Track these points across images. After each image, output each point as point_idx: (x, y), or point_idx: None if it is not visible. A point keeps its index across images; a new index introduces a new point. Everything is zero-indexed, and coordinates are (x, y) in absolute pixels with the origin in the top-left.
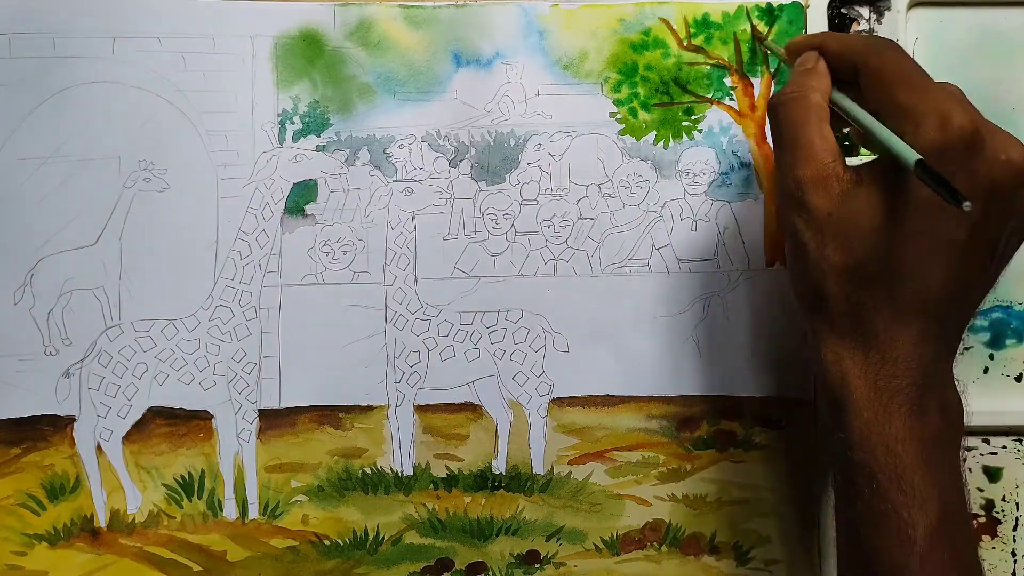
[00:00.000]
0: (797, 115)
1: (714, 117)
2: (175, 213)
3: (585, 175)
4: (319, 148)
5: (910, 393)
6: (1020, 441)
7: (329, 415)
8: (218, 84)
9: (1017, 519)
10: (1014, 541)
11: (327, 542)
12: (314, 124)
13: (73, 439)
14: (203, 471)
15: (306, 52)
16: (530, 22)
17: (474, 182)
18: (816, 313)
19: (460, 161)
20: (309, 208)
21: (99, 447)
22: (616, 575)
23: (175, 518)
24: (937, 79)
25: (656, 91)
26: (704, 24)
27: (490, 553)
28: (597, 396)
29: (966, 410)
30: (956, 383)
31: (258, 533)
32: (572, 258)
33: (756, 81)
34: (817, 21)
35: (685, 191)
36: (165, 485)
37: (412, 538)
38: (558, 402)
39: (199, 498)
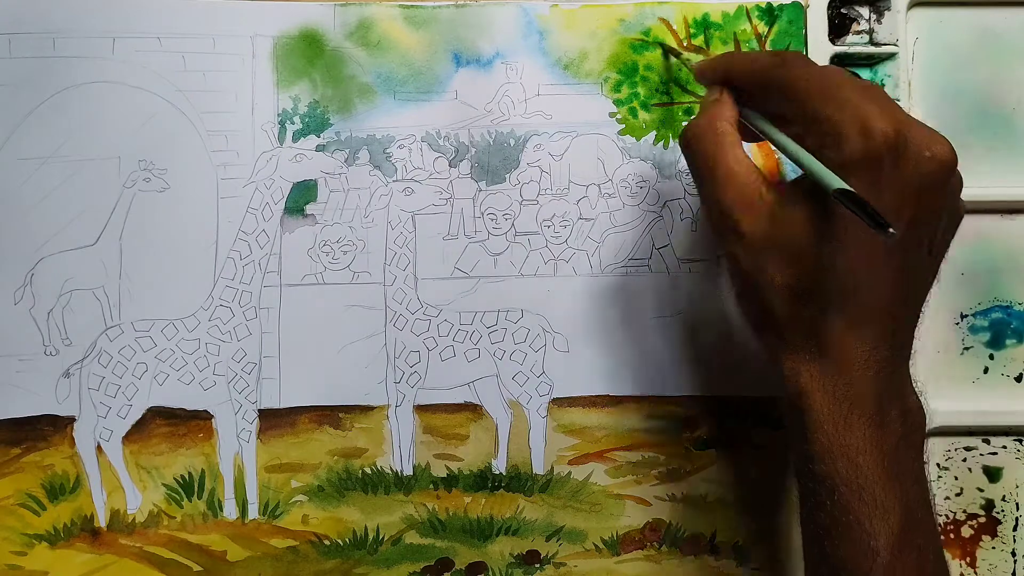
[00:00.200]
0: (708, 146)
1: None
2: (175, 213)
3: (585, 175)
4: (319, 148)
5: (869, 403)
6: (1020, 441)
7: (329, 415)
8: (218, 84)
9: (1017, 519)
10: (1014, 541)
11: (327, 542)
12: (314, 124)
13: (73, 439)
14: (203, 471)
15: (306, 52)
16: (530, 22)
17: (474, 182)
18: (767, 331)
19: (460, 161)
20: (309, 208)
21: (99, 447)
22: (616, 575)
23: (175, 518)
24: (937, 79)
25: (656, 91)
26: (704, 24)
27: (490, 553)
28: (597, 396)
29: (927, 412)
30: (915, 385)
31: (258, 533)
32: (572, 258)
33: None
34: (817, 21)
35: (685, 191)
36: (165, 485)
37: (412, 538)
38: (558, 402)
39: (199, 498)
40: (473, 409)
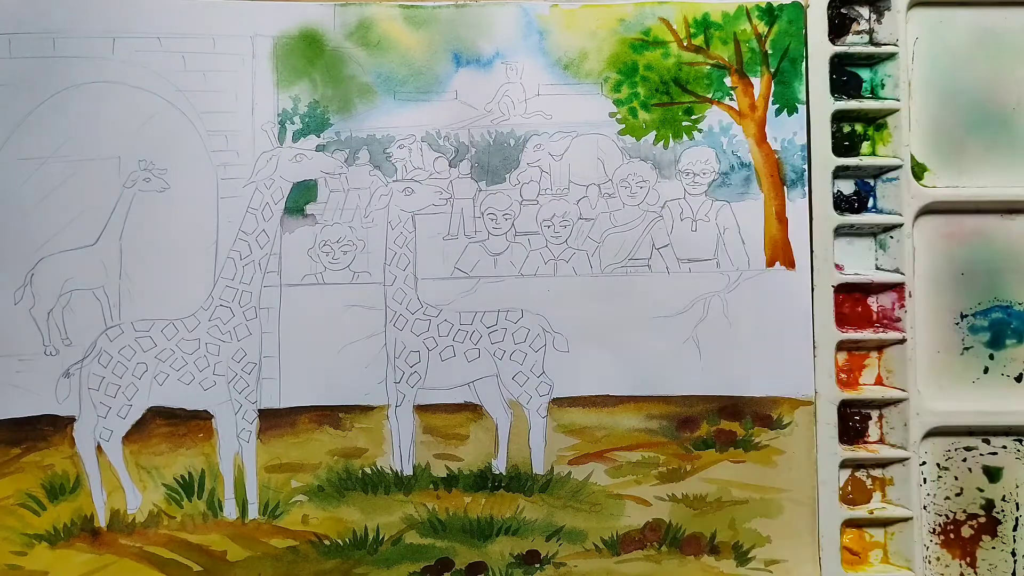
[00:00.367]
0: None
1: (714, 117)
2: (175, 213)
3: (585, 175)
4: (319, 148)
5: None
6: (1020, 441)
7: (329, 415)
8: (218, 84)
9: (1017, 519)
10: (1014, 541)
11: (327, 542)
12: (314, 124)
13: (73, 439)
14: (203, 471)
15: (306, 52)
16: (530, 22)
17: (474, 182)
18: None
19: (460, 161)
20: (309, 208)
21: (99, 447)
22: (616, 575)
23: (175, 518)
24: (937, 79)
25: (656, 91)
26: (704, 24)
27: (490, 553)
28: (597, 396)
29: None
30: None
31: (258, 533)
32: (572, 258)
33: (756, 81)
34: (817, 21)
35: (685, 191)
36: (165, 485)
37: (412, 538)
38: (558, 402)
39: (199, 498)
40: (473, 409)
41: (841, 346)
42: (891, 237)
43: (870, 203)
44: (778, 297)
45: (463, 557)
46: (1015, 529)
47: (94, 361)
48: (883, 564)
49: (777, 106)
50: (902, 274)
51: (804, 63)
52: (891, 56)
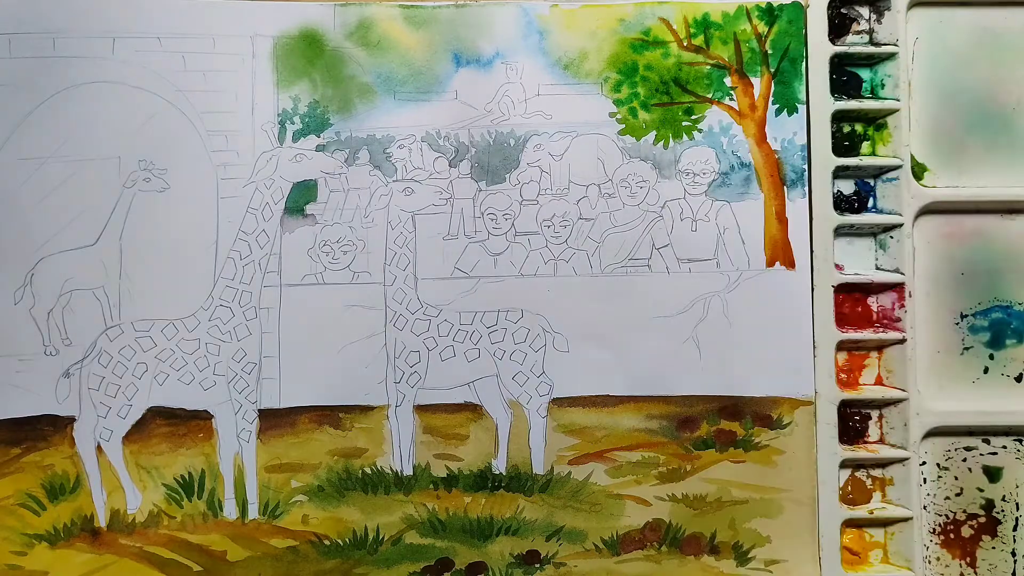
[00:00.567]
0: None
1: (714, 117)
2: (175, 213)
3: (585, 175)
4: (319, 148)
5: None
6: (1020, 441)
7: (329, 415)
8: (218, 84)
9: (1017, 519)
10: (1014, 541)
11: (327, 542)
12: (314, 124)
13: (73, 439)
14: (203, 471)
15: (306, 52)
16: (530, 22)
17: (474, 182)
18: None
19: (460, 161)
20: (309, 208)
21: (99, 447)
22: (616, 575)
23: (175, 518)
24: (937, 79)
25: (656, 91)
26: (704, 24)
27: (490, 553)
28: (597, 396)
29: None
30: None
31: (258, 533)
32: (572, 258)
33: (756, 81)
34: (817, 21)
35: (685, 191)
36: (165, 485)
37: (412, 538)
38: (558, 402)
39: (199, 498)
40: (473, 409)
41: (841, 346)
42: (891, 237)
43: (870, 203)
44: (778, 297)
45: (463, 557)
46: (1015, 529)
47: (94, 361)
48: (883, 564)
49: (777, 106)
50: (902, 274)
51: (804, 63)
52: (891, 56)
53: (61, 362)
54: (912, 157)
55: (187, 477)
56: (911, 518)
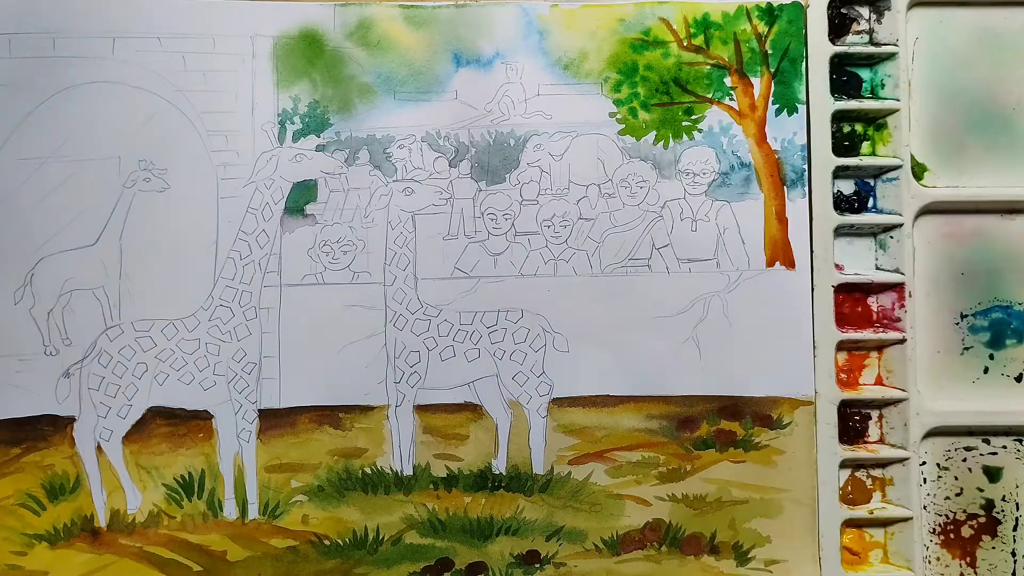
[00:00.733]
0: None
1: (714, 117)
2: (175, 213)
3: (585, 175)
4: (319, 148)
5: None
6: (1020, 441)
7: (329, 415)
8: (218, 84)
9: (1017, 519)
10: (1014, 541)
11: (327, 542)
12: (314, 124)
13: (73, 439)
14: (203, 471)
15: (306, 52)
16: (530, 22)
17: (474, 182)
18: None
19: (460, 161)
20: (309, 208)
21: (99, 447)
22: (616, 575)
23: (175, 518)
24: (937, 79)
25: (656, 91)
26: (704, 24)
27: (490, 553)
28: (597, 396)
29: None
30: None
31: (258, 533)
32: (572, 258)
33: (756, 81)
34: (817, 21)
35: (685, 191)
36: (165, 485)
37: (412, 538)
38: (558, 402)
39: (199, 498)
40: (473, 409)
41: (841, 346)
42: (891, 237)
43: (870, 203)
44: (778, 297)
45: (463, 557)
46: (1015, 529)
47: (94, 361)
48: (883, 564)
49: (777, 106)
50: (902, 274)
51: (804, 63)
52: (891, 56)
53: (61, 362)
54: (912, 157)
55: (187, 477)
56: (911, 518)
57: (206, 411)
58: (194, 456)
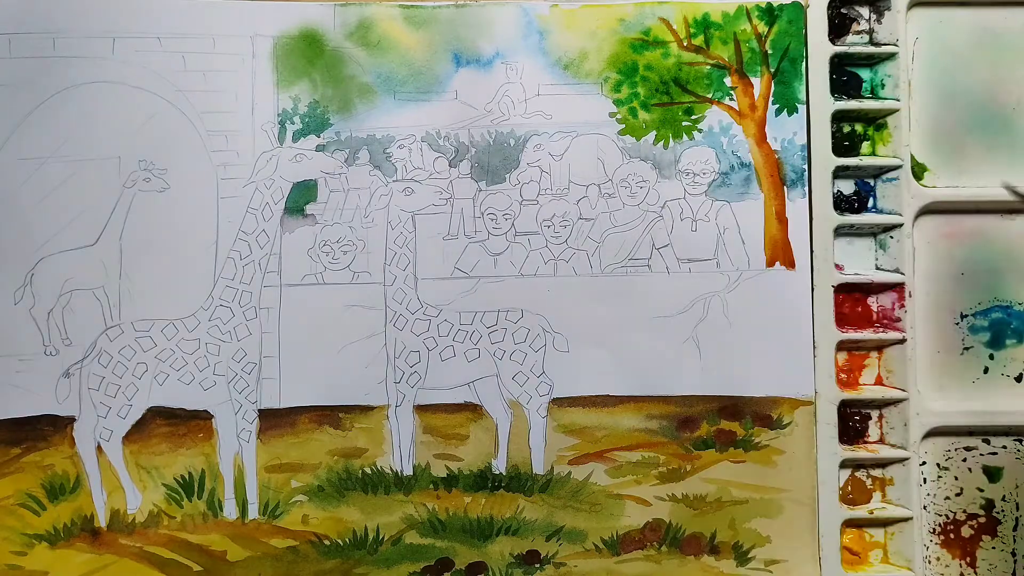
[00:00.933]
0: None
1: (714, 117)
2: (175, 213)
3: (585, 175)
4: (319, 148)
5: None
6: (1020, 441)
7: (329, 415)
8: (218, 84)
9: (1017, 519)
10: (1014, 541)
11: (327, 542)
12: (314, 124)
13: (73, 439)
14: (203, 471)
15: (306, 52)
16: (530, 22)
17: (474, 182)
18: None
19: (460, 161)
20: (309, 208)
21: (99, 447)
22: (616, 575)
23: (175, 518)
24: (937, 79)
25: (656, 91)
26: (704, 24)
27: (490, 553)
28: (597, 396)
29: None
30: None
31: (258, 533)
32: (572, 258)
33: (756, 81)
34: (817, 21)
35: (685, 191)
36: (165, 485)
37: (412, 538)
38: (558, 402)
39: (199, 498)
40: (473, 409)
41: (841, 346)
42: (891, 237)
43: (870, 203)
44: (778, 297)
45: (463, 557)
46: (1015, 529)
47: (94, 361)
48: (883, 564)
49: (777, 106)
50: (902, 274)
51: (804, 63)
52: (891, 56)
53: (61, 362)
54: (912, 157)
55: (187, 477)
56: (911, 518)
57: (206, 411)
58: (194, 456)
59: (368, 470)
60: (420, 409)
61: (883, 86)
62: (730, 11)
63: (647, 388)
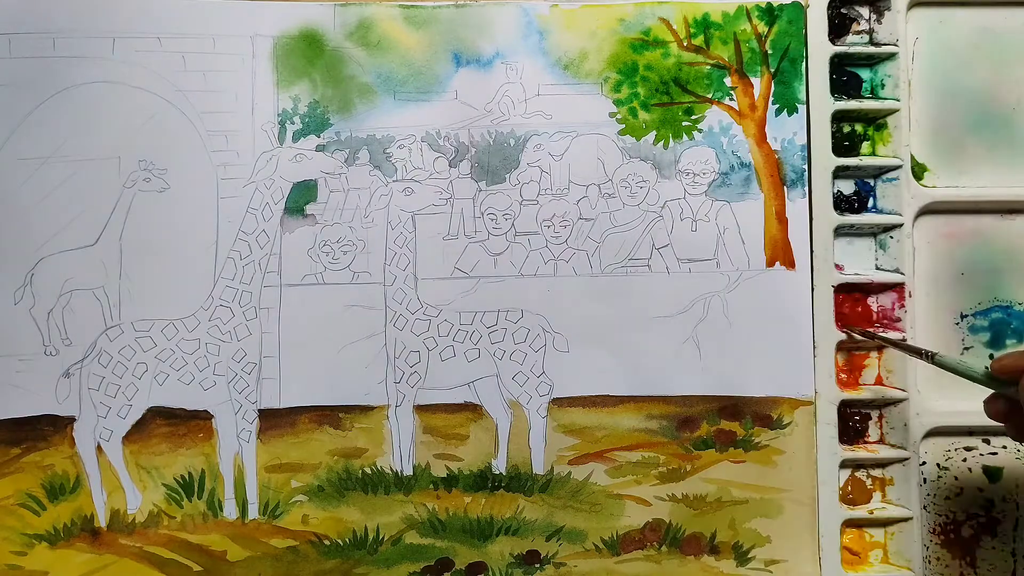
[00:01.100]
0: None
1: (714, 117)
2: (175, 213)
3: (585, 175)
4: (319, 148)
5: None
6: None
7: (329, 415)
8: (218, 84)
9: (1017, 519)
10: (1014, 541)
11: (327, 542)
12: (314, 124)
13: (73, 439)
14: (203, 471)
15: (306, 52)
16: (530, 22)
17: (474, 182)
18: None
19: (460, 161)
20: (309, 208)
21: (99, 447)
22: (616, 575)
23: (175, 518)
24: (937, 79)
25: (656, 91)
26: (704, 24)
27: (490, 553)
28: (597, 396)
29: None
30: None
31: (258, 533)
32: (572, 258)
33: (756, 81)
34: (817, 21)
35: (685, 191)
36: (165, 485)
37: (412, 538)
38: (558, 402)
39: (199, 498)
40: (473, 409)
41: (841, 346)
42: (891, 237)
43: (870, 203)
44: (778, 297)
45: (463, 557)
46: (1015, 529)
47: (94, 361)
48: (883, 564)
49: (777, 106)
50: (902, 274)
51: (804, 63)
52: (891, 56)
53: (61, 362)
54: (912, 157)
55: (187, 477)
56: (911, 518)
57: (206, 411)
58: (194, 456)
59: (368, 470)
60: (420, 409)
61: (883, 86)
62: (730, 11)
63: (647, 388)
